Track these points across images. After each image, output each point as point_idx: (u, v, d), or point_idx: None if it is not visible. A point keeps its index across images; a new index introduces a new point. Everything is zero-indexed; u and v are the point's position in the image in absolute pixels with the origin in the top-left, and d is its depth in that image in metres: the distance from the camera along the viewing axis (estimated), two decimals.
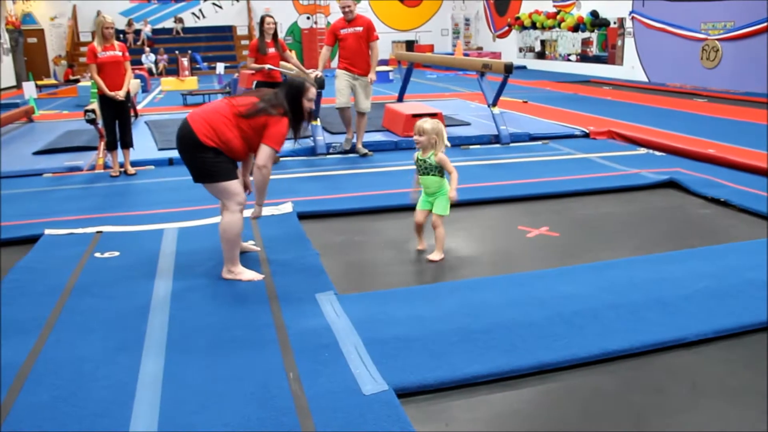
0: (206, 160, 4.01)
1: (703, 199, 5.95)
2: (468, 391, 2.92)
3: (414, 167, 4.80)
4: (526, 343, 3.22)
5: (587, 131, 9.18)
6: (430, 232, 4.73)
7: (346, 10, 7.77)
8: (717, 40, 14.97)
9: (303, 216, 5.54)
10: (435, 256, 4.59)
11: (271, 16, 7.94)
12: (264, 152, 4.07)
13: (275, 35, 7.91)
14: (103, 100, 7.21)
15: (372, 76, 7.84)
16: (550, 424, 2.71)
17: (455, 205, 5.08)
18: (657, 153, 7.92)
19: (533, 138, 8.91)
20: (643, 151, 8.08)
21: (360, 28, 7.76)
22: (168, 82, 18.13)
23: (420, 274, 4.41)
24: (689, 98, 13.32)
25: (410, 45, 25.51)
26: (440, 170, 4.58)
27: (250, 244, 4.75)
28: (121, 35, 22.42)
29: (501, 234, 5.22)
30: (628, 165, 7.19)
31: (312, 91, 4.18)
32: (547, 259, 4.60)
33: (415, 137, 4.62)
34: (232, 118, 4.05)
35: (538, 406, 2.85)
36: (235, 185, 4.10)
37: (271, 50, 7.79)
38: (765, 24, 13.66)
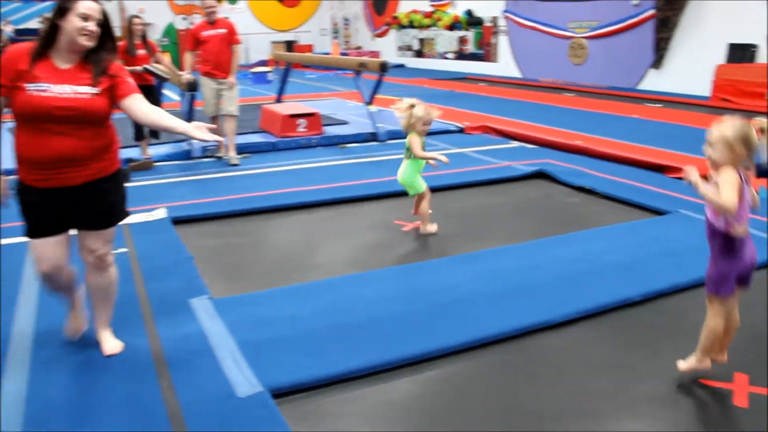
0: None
1: (570, 188, 6.24)
2: (343, 387, 2.95)
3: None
4: (400, 336, 3.28)
5: (462, 126, 9.42)
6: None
7: (211, 11, 7.60)
8: (583, 38, 15.70)
9: (178, 221, 5.40)
10: (428, 228, 5.05)
11: (139, 17, 7.68)
12: None
13: (144, 36, 7.66)
14: None
15: (232, 78, 7.66)
16: (425, 413, 2.78)
17: (333, 203, 5.14)
18: (528, 146, 8.23)
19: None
20: (515, 144, 8.37)
21: (223, 30, 7.59)
22: None
23: (295, 273, 4.39)
24: (559, 93, 13.91)
25: (289, 45, 25.33)
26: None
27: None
28: None
29: (378, 230, 5.27)
30: (501, 158, 7.43)
31: (81, 5, 2.82)
32: (422, 252, 4.70)
33: (396, 113, 5.02)
34: None
35: (413, 395, 2.91)
36: (33, 246, 3.02)
37: (141, 52, 7.54)
38: (626, 23, 14.45)
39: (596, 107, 11.41)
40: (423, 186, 5.01)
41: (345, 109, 11.37)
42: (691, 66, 13.12)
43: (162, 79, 7.74)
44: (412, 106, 4.89)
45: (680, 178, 6.20)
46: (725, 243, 2.73)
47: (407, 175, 5.00)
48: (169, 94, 10.78)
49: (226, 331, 3.36)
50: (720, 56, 12.41)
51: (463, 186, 6.38)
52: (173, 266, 4.35)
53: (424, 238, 5.00)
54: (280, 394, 2.85)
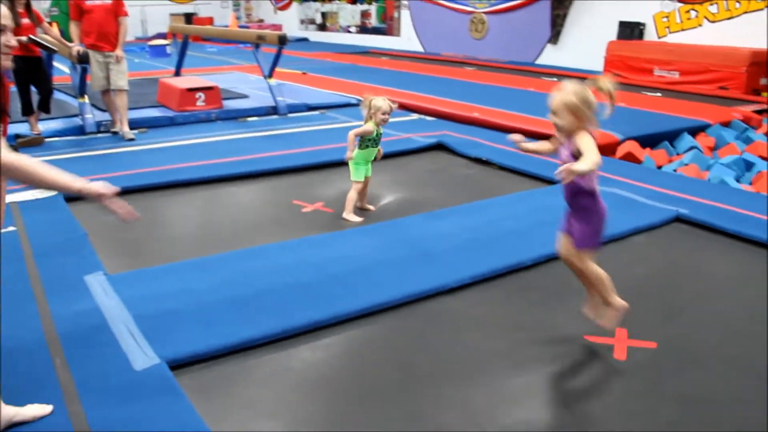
0: None
1: (468, 160, 6.40)
2: (241, 356, 2.98)
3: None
4: (299, 305, 3.32)
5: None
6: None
7: None
8: (483, 13, 15.96)
9: (71, 198, 5.23)
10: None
11: None
12: None
13: (28, 5, 7.29)
14: None
15: (119, 51, 7.42)
16: (323, 378, 2.84)
17: (232, 178, 5.11)
18: (428, 118, 8.36)
19: (311, 108, 9.03)
20: (415, 116, 8.49)
21: (108, 1, 7.33)
22: None
23: (192, 248, 4.35)
24: (460, 67, 14.14)
25: (189, 17, 24.63)
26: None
27: None
28: None
29: (277, 206, 5.24)
30: (400, 130, 7.51)
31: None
32: (320, 227, 4.72)
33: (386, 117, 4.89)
34: None
35: (312, 362, 2.96)
36: None
37: (25, 21, 7.17)
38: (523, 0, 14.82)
39: (495, 81, 11.67)
40: (358, 176, 4.90)
41: (245, 83, 11.21)
42: (585, 42, 13.58)
43: (50, 51, 7.41)
44: (371, 98, 4.90)
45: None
46: (593, 200, 2.86)
47: (356, 160, 4.91)
48: (61, 67, 10.32)
49: (122, 306, 3.31)
50: (612, 33, 12.90)
51: None
52: (66, 244, 4.23)
53: (322, 214, 5.01)
54: (177, 365, 2.85)
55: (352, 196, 4.89)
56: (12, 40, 2.27)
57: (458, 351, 3.03)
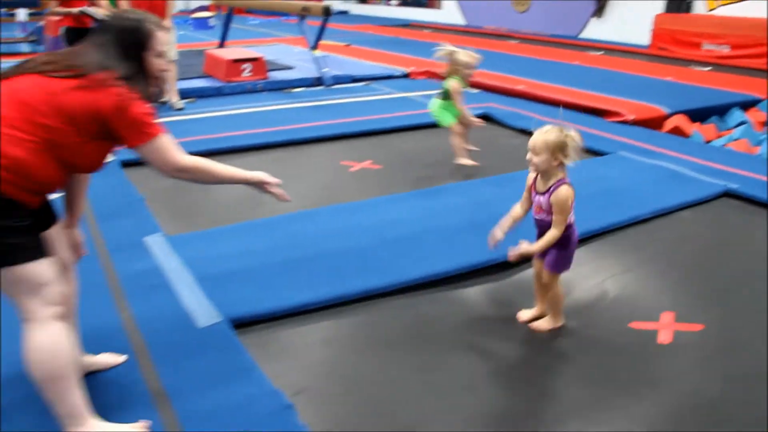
0: None
1: (513, 131, 6.41)
2: (299, 319, 3.06)
3: None
4: (351, 270, 3.39)
5: (407, 72, 9.48)
6: None
7: None
8: None
9: (127, 164, 5.36)
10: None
11: None
12: (154, 152, 2.20)
13: None
14: None
15: (167, 22, 7.51)
16: (376, 345, 2.91)
17: (280, 145, 5.16)
18: (473, 90, 8.32)
19: (355, 80, 9.07)
20: None
21: None
22: None
23: (246, 211, 4.44)
24: (503, 40, 14.02)
25: None
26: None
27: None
28: None
29: (325, 170, 5.35)
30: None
31: (159, 38, 2.24)
32: (369, 190, 4.80)
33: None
34: (13, 116, 1.96)
35: (367, 326, 3.04)
36: (42, 268, 2.06)
37: None
38: None
39: (539, 54, 11.57)
40: (448, 121, 5.19)
41: (290, 55, 11.27)
42: (631, 15, 13.36)
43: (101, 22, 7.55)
44: (453, 52, 5.01)
45: (623, 122, 6.43)
46: (567, 231, 2.88)
47: (437, 110, 5.22)
48: None
49: (182, 266, 3.42)
50: (659, 6, 12.66)
51: (409, 128, 6.48)
52: (125, 207, 4.36)
53: (372, 177, 5.10)
54: (237, 325, 2.94)
55: (455, 141, 5.16)
56: (164, 64, 2.30)
57: (506, 328, 3.06)
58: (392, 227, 3.93)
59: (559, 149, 2.76)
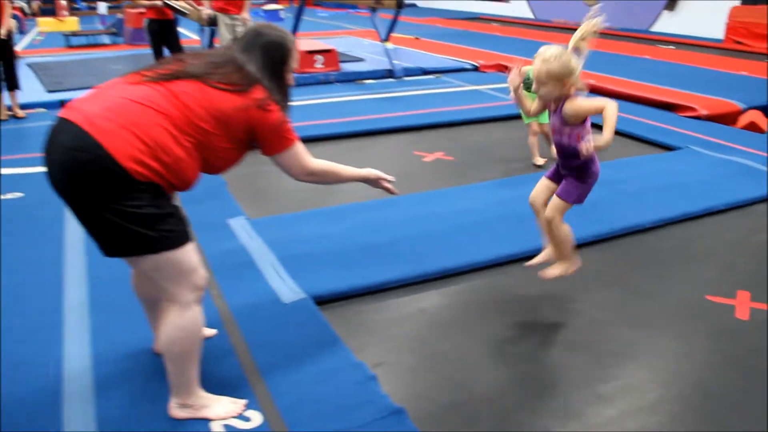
0: (135, 210, 2.02)
1: None
2: (378, 297, 3.22)
3: None
4: (429, 253, 3.54)
5: (477, 65, 9.55)
6: None
7: None
8: None
9: None
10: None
11: None
12: (290, 159, 2.41)
13: None
14: None
15: (245, 14, 7.77)
16: (454, 319, 3.05)
17: (354, 135, 5.29)
18: None
19: (426, 72, 9.19)
20: None
21: None
22: (46, 23, 17.25)
23: (324, 198, 4.61)
24: (572, 33, 13.84)
25: None
26: None
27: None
28: None
29: (399, 159, 5.49)
30: None
31: (296, 55, 2.42)
32: (443, 179, 4.92)
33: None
34: (176, 117, 2.09)
35: (443, 305, 3.17)
36: (190, 254, 2.19)
37: None
38: None
39: (609, 48, 11.46)
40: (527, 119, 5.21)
41: (360, 47, 11.46)
42: (704, 8, 13.10)
43: (182, 14, 7.85)
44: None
45: (696, 117, 6.38)
46: (589, 163, 2.87)
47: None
48: (183, 30, 10.84)
49: (266, 247, 3.61)
50: None
51: (480, 121, 6.58)
52: (209, 191, 4.56)
53: (444, 168, 5.22)
54: (320, 302, 3.11)
55: (530, 141, 5.24)
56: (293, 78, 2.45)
57: (580, 304, 3.17)
58: (466, 214, 4.05)
59: (566, 76, 2.69)
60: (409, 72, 8.95)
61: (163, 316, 2.23)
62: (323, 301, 3.12)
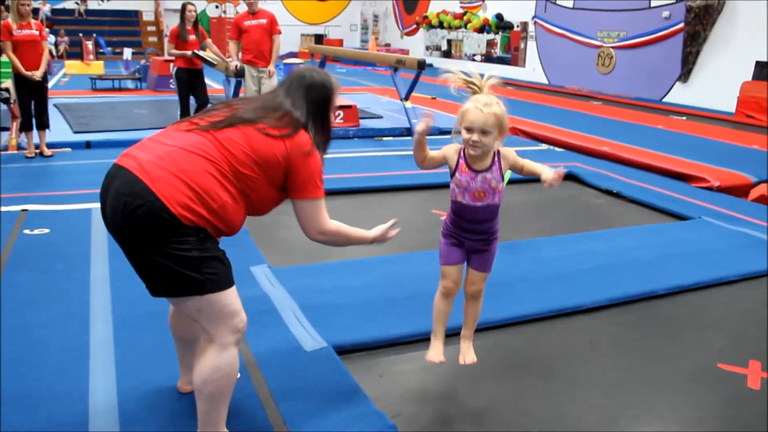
0: (182, 253, 2.13)
1: (597, 191, 6.57)
2: (398, 349, 3.29)
3: None
4: None
5: None
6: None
7: (250, 1, 7.99)
8: (611, 47, 15.95)
9: None
10: None
11: (193, 4, 8.06)
12: (310, 209, 2.46)
13: (196, 23, 8.03)
14: (19, 79, 7.11)
15: (271, 67, 8.01)
16: (470, 375, 3.11)
17: (372, 190, 5.40)
18: (557, 149, 8.54)
19: (443, 132, 9.35)
20: (544, 147, 8.69)
21: (264, 21, 7.95)
22: (73, 66, 17.71)
23: (344, 250, 4.68)
24: (586, 100, 14.18)
25: (319, 38, 25.69)
26: None
27: None
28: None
29: (417, 216, 5.60)
30: (531, 159, 7.70)
31: (337, 95, 2.55)
32: None
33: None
34: (223, 164, 2.20)
35: (457, 361, 3.23)
36: (232, 297, 2.30)
37: (192, 37, 7.92)
38: (655, 35, 14.69)
39: (622, 116, 11.69)
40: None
41: (378, 104, 11.71)
42: (717, 81, 13.36)
43: (210, 65, 8.10)
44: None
45: (708, 188, 6.50)
46: (497, 223, 2.79)
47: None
48: (208, 81, 11.11)
49: (288, 296, 3.70)
50: (747, 73, 12.64)
51: None
52: (231, 238, 4.67)
53: None
54: (340, 351, 3.18)
55: None
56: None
57: (595, 363, 3.24)
58: None
59: (506, 122, 2.54)
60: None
61: (200, 355, 2.30)
62: (344, 350, 3.20)
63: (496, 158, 2.59)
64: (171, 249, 2.11)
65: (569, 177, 7.00)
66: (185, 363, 2.71)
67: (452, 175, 2.66)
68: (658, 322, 3.73)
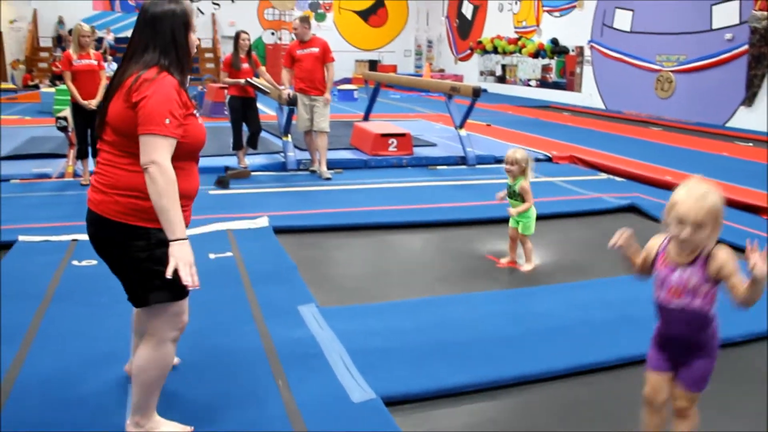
0: (139, 255, 2.43)
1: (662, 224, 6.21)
2: (450, 401, 3.07)
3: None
4: (504, 356, 3.39)
5: (550, 155, 9.47)
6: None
7: (296, 32, 7.94)
8: (671, 71, 15.53)
9: (278, 230, 5.63)
10: (526, 266, 4.97)
11: (247, 33, 8.04)
12: (146, 145, 2.32)
13: (249, 51, 8.01)
14: (76, 108, 7.20)
15: (327, 95, 7.93)
16: (528, 430, 2.88)
17: (426, 225, 5.24)
18: (617, 178, 8.22)
19: (498, 160, 9.14)
20: (603, 176, 8.38)
21: (316, 49, 7.86)
22: None
23: (393, 290, 4.53)
24: (644, 126, 13.78)
25: (373, 64, 25.77)
26: (523, 197, 4.91)
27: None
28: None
29: (470, 256, 5.32)
30: (589, 189, 7.45)
31: (194, 16, 2.56)
32: (517, 280, 4.78)
33: (507, 167, 4.93)
34: (112, 140, 2.45)
35: (519, 415, 3.02)
36: (186, 301, 2.59)
37: (245, 66, 7.88)
38: (717, 58, 14.24)
39: (683, 143, 11.28)
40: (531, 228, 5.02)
41: (431, 131, 11.55)
42: None
43: (263, 93, 8.06)
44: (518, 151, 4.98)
45: None
46: (715, 326, 2.36)
47: (529, 215, 4.96)
48: (261, 106, 11.14)
49: (336, 339, 3.52)
50: None
51: (553, 216, 6.40)
52: (278, 273, 4.56)
53: (517, 266, 5.06)
54: (389, 402, 2.98)
55: (529, 247, 5.02)
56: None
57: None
58: (542, 317, 3.90)
59: (721, 214, 2.21)
60: (482, 160, 8.92)
61: (141, 346, 2.58)
62: (394, 402, 3.00)
63: (702, 254, 2.26)
64: (129, 253, 2.45)
65: (631, 209, 6.70)
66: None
67: (652, 266, 2.41)
68: (739, 372, 3.41)
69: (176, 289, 2.43)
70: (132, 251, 2.41)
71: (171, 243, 2.32)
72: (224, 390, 3.03)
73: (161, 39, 2.44)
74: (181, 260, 2.31)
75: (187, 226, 2.44)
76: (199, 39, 2.56)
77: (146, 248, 2.40)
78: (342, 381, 3.10)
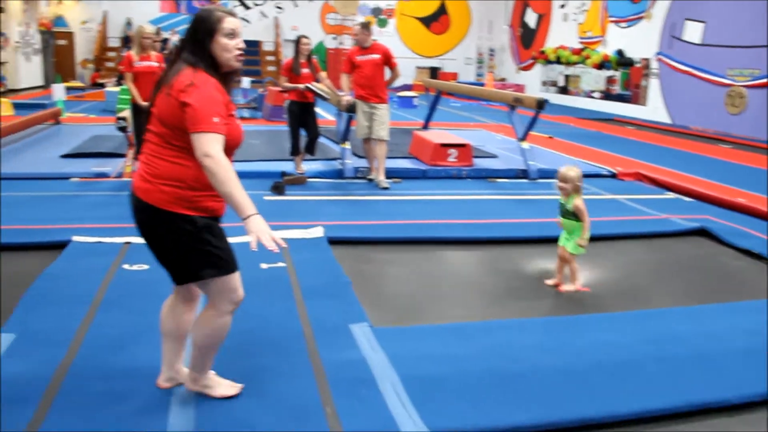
0: (183, 237, 2.69)
1: (735, 250, 5.86)
2: None
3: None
4: (568, 393, 3.14)
5: (615, 172, 9.12)
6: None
7: (357, 37, 7.82)
8: (743, 86, 14.95)
9: (332, 241, 5.49)
10: (569, 287, 4.77)
11: (307, 38, 7.93)
12: (199, 141, 2.54)
13: (309, 56, 7.91)
14: (136, 108, 7.23)
15: (387, 103, 7.83)
16: None
17: (485, 242, 5.00)
18: (685, 198, 7.86)
19: None
20: (671, 195, 8.01)
21: (377, 56, 7.72)
22: None
23: (452, 310, 4.34)
24: (713, 143, 13.25)
25: (434, 72, 25.60)
26: (576, 215, 4.71)
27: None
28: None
29: (530, 276, 5.09)
30: (657, 209, 7.12)
31: (228, 22, 2.71)
32: (578, 305, 4.52)
33: (560, 184, 4.79)
34: (158, 132, 2.70)
35: None
36: (237, 277, 2.84)
37: (305, 71, 7.79)
38: None
39: (756, 162, 10.77)
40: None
41: (492, 142, 11.30)
42: None
43: (323, 99, 7.96)
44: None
45: None
46: None
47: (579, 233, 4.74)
48: (320, 111, 11.07)
49: (388, 363, 3.35)
50: None
51: (618, 237, 6.10)
52: (331, 288, 4.40)
53: (578, 293, 4.79)
54: None
55: (575, 267, 4.80)
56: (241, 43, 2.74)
57: None
58: (609, 350, 3.62)
59: None
60: (544, 174, 8.63)
61: (202, 315, 2.88)
62: None
63: None
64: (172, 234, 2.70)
65: (701, 233, 6.35)
66: (167, 359, 3.03)
67: None
68: None
69: (224, 265, 2.74)
70: (179, 235, 2.66)
71: (245, 220, 2.54)
72: (271, 410, 2.89)
73: (192, 42, 2.71)
74: (259, 232, 2.52)
75: (222, 216, 2.80)
76: (241, 43, 2.74)
77: (193, 232, 2.66)
78: (393, 411, 2.92)
